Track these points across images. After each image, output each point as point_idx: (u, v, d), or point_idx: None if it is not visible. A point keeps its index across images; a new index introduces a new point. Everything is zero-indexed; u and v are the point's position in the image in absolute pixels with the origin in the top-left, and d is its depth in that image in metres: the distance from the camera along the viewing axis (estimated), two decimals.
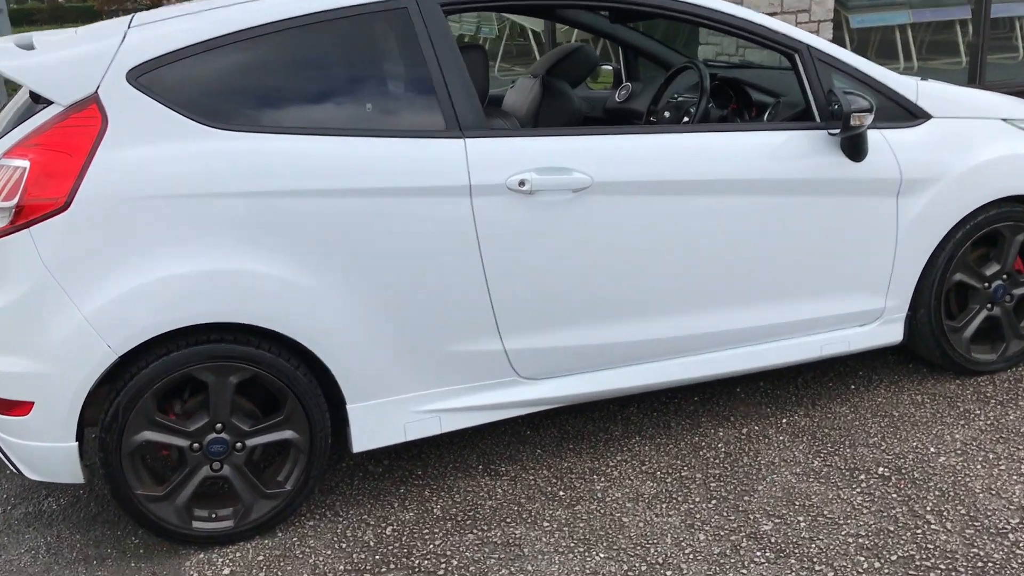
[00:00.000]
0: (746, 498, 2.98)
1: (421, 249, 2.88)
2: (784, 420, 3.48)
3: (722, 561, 2.69)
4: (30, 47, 2.75)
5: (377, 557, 2.81)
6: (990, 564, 2.61)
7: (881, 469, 3.10)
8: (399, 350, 2.93)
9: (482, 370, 3.05)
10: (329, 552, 2.85)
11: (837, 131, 3.26)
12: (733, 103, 3.84)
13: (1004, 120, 3.63)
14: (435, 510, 3.03)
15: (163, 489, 2.83)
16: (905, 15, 8.02)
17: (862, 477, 3.06)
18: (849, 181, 3.29)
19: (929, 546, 2.70)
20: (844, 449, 3.24)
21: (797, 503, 2.94)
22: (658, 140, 3.09)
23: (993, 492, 2.94)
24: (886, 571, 2.60)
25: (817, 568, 2.63)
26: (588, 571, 2.67)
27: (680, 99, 3.86)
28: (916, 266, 3.49)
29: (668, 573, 2.64)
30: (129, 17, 2.87)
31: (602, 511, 2.96)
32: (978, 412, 3.44)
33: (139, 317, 2.65)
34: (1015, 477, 3.01)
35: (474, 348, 3.02)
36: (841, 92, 3.21)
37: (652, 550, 2.75)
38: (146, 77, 2.72)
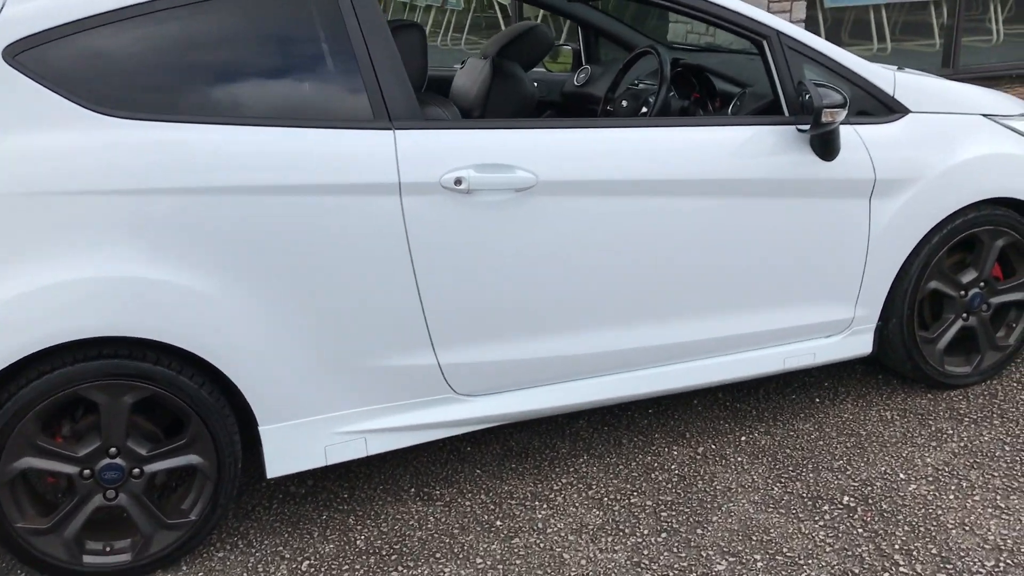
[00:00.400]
0: (699, 531, 2.72)
1: (344, 254, 2.57)
2: (743, 438, 3.22)
3: None
4: None
5: None
6: None
7: (846, 498, 2.85)
8: (319, 365, 2.63)
9: (414, 387, 2.76)
10: None
11: (807, 127, 2.97)
12: (696, 92, 3.55)
13: (985, 116, 3.37)
14: (358, 542, 2.75)
15: (48, 521, 2.52)
16: None
17: (825, 508, 2.81)
18: (818, 181, 3.02)
19: None
20: (807, 474, 2.99)
21: (754, 538, 2.69)
22: (611, 135, 2.79)
23: (967, 528, 2.69)
24: None
25: None
26: None
27: (639, 87, 3.57)
28: (888, 273, 3.23)
29: None
30: None
31: (541, 545, 2.69)
32: (951, 432, 3.20)
33: (16, 331, 2.32)
34: (990, 510, 2.77)
35: (404, 363, 2.72)
36: (812, 84, 2.92)
37: None
38: (27, 55, 2.37)
